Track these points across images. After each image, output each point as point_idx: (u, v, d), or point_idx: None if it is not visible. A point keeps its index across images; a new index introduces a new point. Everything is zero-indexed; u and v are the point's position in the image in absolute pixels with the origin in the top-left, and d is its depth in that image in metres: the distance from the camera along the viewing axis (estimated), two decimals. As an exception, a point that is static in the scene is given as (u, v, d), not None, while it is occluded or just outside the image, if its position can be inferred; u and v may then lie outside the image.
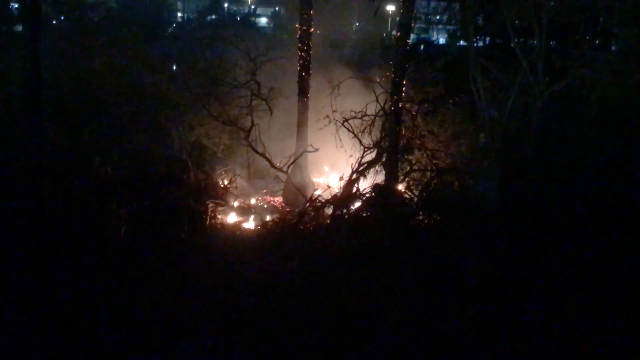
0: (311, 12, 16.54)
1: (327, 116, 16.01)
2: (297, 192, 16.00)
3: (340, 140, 16.00)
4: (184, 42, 24.43)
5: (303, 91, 16.84)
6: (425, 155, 16.53)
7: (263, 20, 42.35)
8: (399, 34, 15.56)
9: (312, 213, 14.31)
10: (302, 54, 16.64)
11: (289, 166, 16.36)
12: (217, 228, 13.90)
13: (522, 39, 20.24)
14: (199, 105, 17.05)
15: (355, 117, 15.90)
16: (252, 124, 16.14)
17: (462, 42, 25.12)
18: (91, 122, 16.51)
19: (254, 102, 16.45)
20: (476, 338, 9.06)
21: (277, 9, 42.58)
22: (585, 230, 12.90)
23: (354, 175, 14.98)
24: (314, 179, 17.86)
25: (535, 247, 12.20)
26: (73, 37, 20.09)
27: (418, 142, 16.57)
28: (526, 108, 17.06)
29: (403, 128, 16.23)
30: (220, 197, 15.28)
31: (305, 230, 13.68)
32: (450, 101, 17.29)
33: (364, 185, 15.10)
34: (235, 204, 15.62)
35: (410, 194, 15.49)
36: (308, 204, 14.48)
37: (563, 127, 18.68)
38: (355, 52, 19.85)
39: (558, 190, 15.05)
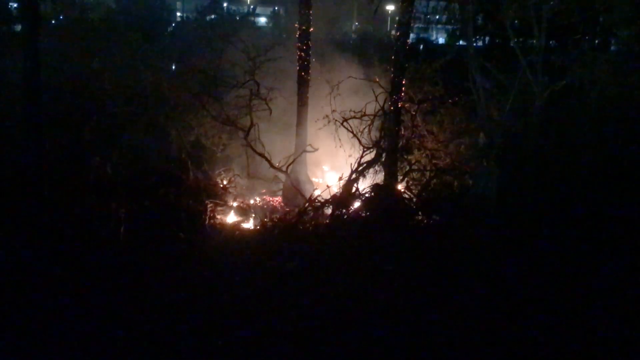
0: (310, 11, 16.52)
1: (327, 116, 15.99)
2: (296, 192, 15.99)
3: (340, 140, 15.98)
4: (183, 42, 24.42)
5: (302, 91, 16.82)
6: (424, 155, 16.52)
7: (262, 20, 42.36)
8: (398, 33, 15.55)
9: (312, 213, 14.29)
10: (302, 53, 16.62)
11: (288, 166, 16.34)
12: (216, 228, 13.88)
13: (521, 39, 20.29)
14: (198, 105, 17.03)
15: (354, 117, 15.88)
16: (252, 124, 16.12)
17: (461, 42, 25.15)
18: (90, 122, 16.50)
19: (253, 102, 16.42)
20: (476, 338, 9.06)
21: (276, 8, 42.60)
22: (585, 230, 12.91)
23: (353, 175, 14.96)
24: (313, 179, 17.84)
25: (534, 247, 12.21)
26: (72, 37, 20.07)
27: (417, 142, 16.56)
28: (526, 108, 17.08)
29: (402, 128, 16.21)
30: (220, 197, 15.25)
31: (304, 230, 13.67)
32: (450, 101, 17.28)
33: (363, 185, 15.08)
34: (235, 203, 15.59)
35: (409, 193, 15.48)
36: (307, 204, 14.46)
37: (562, 127, 18.70)
38: (354, 51, 19.83)
39: (557, 190, 15.06)
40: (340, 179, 15.22)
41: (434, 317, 9.59)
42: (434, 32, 37.91)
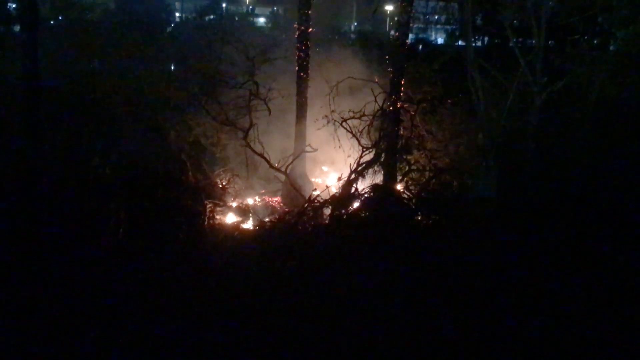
0: (309, 11, 16.51)
1: (326, 116, 15.99)
2: (295, 192, 15.98)
3: (339, 140, 15.99)
4: (182, 42, 24.41)
5: (301, 91, 16.81)
6: (423, 155, 16.53)
7: (261, 20, 42.35)
8: (397, 33, 15.55)
9: (311, 213, 14.29)
10: (301, 53, 16.61)
11: (287, 166, 16.34)
12: (215, 228, 13.87)
13: (520, 39, 20.29)
14: (197, 105, 17.02)
15: (353, 117, 15.89)
16: (251, 124, 16.11)
17: (460, 42, 25.17)
18: (89, 123, 16.50)
19: (253, 102, 16.41)
20: (475, 337, 9.06)
21: (275, 8, 42.61)
22: (584, 230, 12.92)
23: (353, 176, 14.96)
24: (313, 179, 17.83)
25: (533, 246, 12.21)
26: (71, 38, 20.07)
27: (416, 142, 16.56)
28: (525, 108, 17.09)
29: (401, 128, 16.22)
30: (219, 197, 15.24)
31: (303, 230, 13.67)
32: (449, 101, 17.29)
33: (363, 185, 15.09)
34: (234, 204, 15.58)
35: (408, 194, 15.49)
36: (307, 204, 14.46)
37: (561, 127, 18.72)
38: (353, 52, 19.82)
39: (556, 189, 15.07)
40: (340, 179, 15.22)
41: (434, 317, 9.59)
42: (433, 33, 37.96)
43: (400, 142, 16.07)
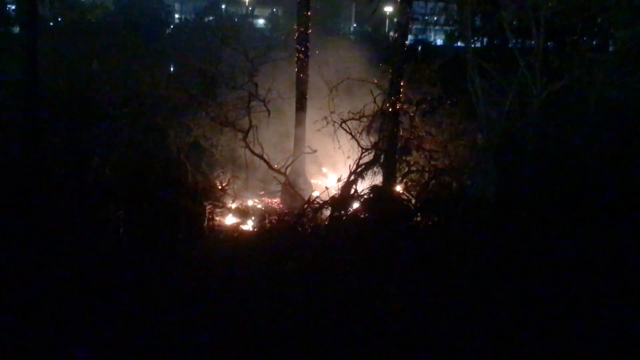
0: (309, 13, 16.53)
1: (325, 117, 15.99)
2: (295, 194, 15.98)
3: (338, 141, 15.99)
4: (181, 43, 24.41)
5: (301, 92, 16.82)
6: (423, 156, 16.52)
7: (261, 21, 42.37)
8: (396, 34, 15.56)
9: (310, 214, 14.28)
10: (300, 55, 16.62)
11: (286, 167, 16.34)
12: (214, 230, 13.87)
13: (519, 40, 20.27)
14: (197, 107, 17.02)
15: (353, 119, 15.89)
16: (250, 125, 16.11)
17: (459, 43, 25.17)
18: (89, 124, 16.50)
19: (252, 104, 16.42)
20: (475, 338, 9.06)
21: (274, 10, 42.64)
22: (584, 230, 12.92)
23: (352, 177, 14.97)
24: (312, 181, 17.84)
25: (533, 247, 12.21)
26: (71, 39, 20.08)
27: (416, 143, 16.56)
28: (524, 109, 17.09)
29: (401, 129, 16.22)
30: (218, 198, 15.23)
31: (303, 231, 13.66)
32: (448, 102, 17.29)
33: (362, 186, 15.08)
34: (233, 205, 15.58)
35: (408, 195, 15.49)
36: (306, 206, 14.45)
37: (561, 128, 18.72)
38: (353, 53, 19.83)
39: (556, 190, 15.07)
40: (339, 180, 15.23)
41: (434, 317, 9.59)
42: (432, 33, 37.99)
43: (399, 143, 16.08)
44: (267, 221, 14.64)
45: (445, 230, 13.24)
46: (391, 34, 30.09)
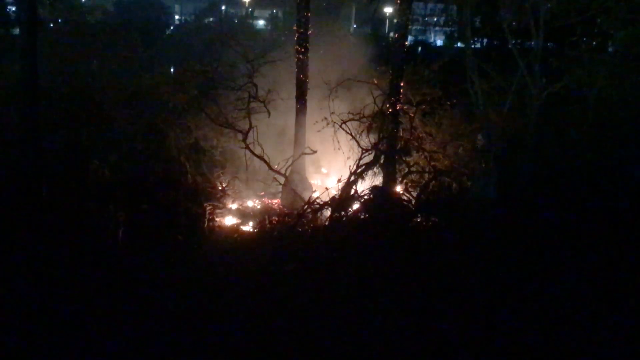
0: (308, 13, 16.52)
1: (325, 118, 16.00)
2: (295, 195, 15.98)
3: (338, 142, 16.00)
4: (181, 44, 24.44)
5: (301, 93, 16.81)
6: (423, 156, 16.52)
7: (260, 22, 42.37)
8: (396, 35, 15.57)
9: (310, 215, 14.29)
10: (300, 55, 16.62)
11: (286, 168, 16.35)
12: (214, 230, 13.88)
13: (519, 41, 20.30)
14: (197, 108, 17.02)
15: (353, 119, 15.90)
16: (250, 126, 16.12)
17: (459, 44, 25.20)
18: (89, 125, 16.50)
19: (252, 105, 16.42)
20: (474, 339, 9.06)
21: (274, 11, 42.63)
22: (583, 231, 12.93)
23: (352, 177, 14.97)
24: (312, 181, 17.84)
25: (533, 247, 12.22)
26: (70, 40, 20.08)
27: (416, 143, 16.55)
28: (524, 109, 17.11)
29: (401, 130, 16.23)
30: (218, 199, 15.25)
31: (303, 232, 13.67)
32: (448, 103, 17.29)
33: (362, 187, 15.09)
34: (233, 206, 15.59)
35: (408, 195, 15.49)
36: (306, 206, 14.46)
37: (560, 128, 18.74)
38: (353, 54, 19.84)
39: (556, 191, 15.08)
40: (339, 181, 15.23)
41: (434, 318, 9.59)
42: (432, 34, 38.04)
43: (399, 144, 16.08)
44: (267, 222, 14.65)
45: (445, 230, 13.24)
46: (391, 34, 30.12)
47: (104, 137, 16.43)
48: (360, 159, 15.39)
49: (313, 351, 8.73)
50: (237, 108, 16.83)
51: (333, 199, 14.60)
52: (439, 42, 36.58)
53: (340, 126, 15.73)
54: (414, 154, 16.79)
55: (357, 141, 15.77)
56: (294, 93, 16.92)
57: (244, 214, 15.38)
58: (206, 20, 34.33)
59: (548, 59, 17.52)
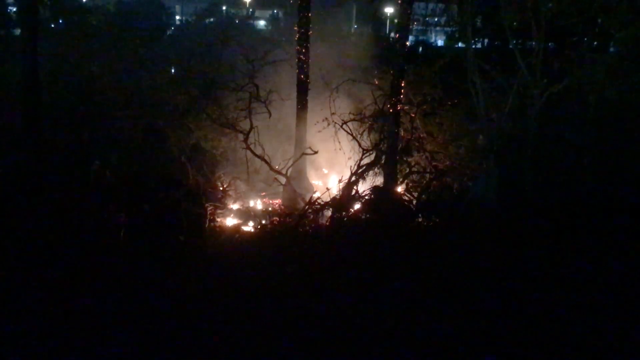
0: (309, 14, 16.55)
1: (326, 119, 16.01)
2: (296, 195, 16.00)
3: (339, 142, 16.01)
4: (182, 45, 24.43)
5: (301, 93, 16.83)
6: (424, 157, 16.54)
7: (261, 23, 42.38)
8: (397, 35, 15.58)
9: (311, 215, 14.30)
10: (301, 56, 16.64)
11: (287, 169, 16.36)
12: (216, 231, 13.88)
13: (520, 41, 20.29)
14: (198, 108, 17.04)
15: (354, 120, 15.91)
16: (251, 127, 16.13)
17: (460, 44, 25.19)
18: (89, 126, 16.52)
19: (253, 105, 16.44)
20: (477, 341, 9.05)
21: (275, 11, 42.66)
22: (584, 232, 12.91)
23: (353, 178, 14.98)
24: (313, 182, 17.85)
25: (534, 249, 12.20)
26: (71, 41, 20.09)
27: (417, 144, 16.58)
28: (524, 110, 17.10)
29: (402, 130, 16.23)
30: (219, 200, 15.26)
31: (304, 232, 13.67)
32: (449, 103, 17.30)
33: (363, 187, 15.10)
34: (234, 206, 15.60)
35: (409, 196, 15.50)
36: (307, 207, 14.47)
37: (561, 129, 18.72)
38: (353, 54, 19.87)
39: (557, 192, 15.07)
40: (340, 181, 15.24)
41: (434, 319, 9.58)
42: (433, 34, 38.03)
43: (400, 144, 16.09)
44: (268, 222, 14.66)
45: (446, 231, 13.23)
46: (392, 34, 30.13)
47: (105, 137, 16.45)
48: (361, 159, 15.40)
49: (314, 352, 8.72)
50: (238, 108, 16.85)
51: (334, 199, 14.61)
52: (440, 42, 36.56)
53: (341, 126, 15.74)
54: (415, 154, 16.81)
55: (358, 141, 15.78)
56: (294, 93, 16.95)
57: (245, 215, 15.39)
58: (207, 21, 34.32)
59: (549, 59, 17.50)
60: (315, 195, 15.20)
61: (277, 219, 15.01)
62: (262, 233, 13.99)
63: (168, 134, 16.87)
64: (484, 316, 9.75)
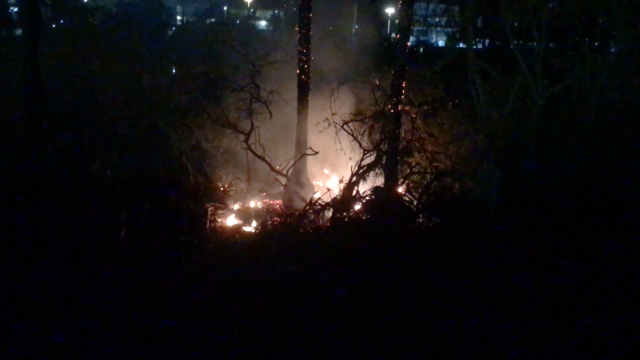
0: (310, 14, 16.55)
1: (327, 119, 16.01)
2: (296, 195, 16.00)
3: (340, 143, 16.01)
4: (183, 45, 24.45)
5: (302, 94, 16.83)
6: (424, 157, 16.53)
7: (262, 23, 42.39)
8: (398, 36, 15.58)
9: (312, 216, 14.29)
10: (302, 56, 16.64)
11: (288, 169, 16.36)
12: (216, 231, 13.88)
13: (521, 41, 20.30)
14: (199, 109, 17.06)
15: (354, 120, 15.92)
16: (252, 127, 16.14)
17: (461, 45, 25.21)
18: (90, 126, 16.54)
19: (254, 105, 16.45)
20: (477, 341, 9.05)
21: (276, 12, 42.65)
22: (586, 233, 12.90)
23: (354, 178, 14.98)
24: (314, 182, 17.85)
25: (535, 249, 12.19)
26: (72, 41, 20.12)
27: (418, 144, 16.57)
28: (525, 110, 17.11)
29: (403, 130, 16.23)
30: (220, 200, 15.27)
31: (305, 233, 13.67)
32: (450, 103, 17.30)
33: (364, 188, 15.09)
34: (235, 207, 15.61)
35: (410, 196, 15.49)
36: (308, 207, 14.46)
37: (562, 129, 18.71)
38: (354, 54, 19.87)
39: (558, 192, 15.06)
40: (341, 181, 15.24)
41: (435, 320, 9.58)
42: (434, 35, 38.01)
43: (401, 145, 16.08)
44: (269, 222, 14.66)
45: (447, 231, 13.23)
46: (393, 35, 30.14)
47: (106, 137, 16.47)
48: (362, 159, 15.40)
49: (315, 352, 8.72)
50: (238, 109, 16.87)
51: (335, 199, 14.61)
52: (441, 43, 36.55)
53: (342, 127, 15.74)
54: (416, 154, 16.80)
55: (358, 142, 15.78)
56: (295, 94, 16.95)
57: (245, 215, 15.39)
58: (208, 21, 34.34)
59: (550, 59, 17.52)
60: (316, 196, 15.21)
61: (278, 219, 15.01)
62: (262, 233, 13.98)
63: (169, 134, 16.88)
64: (485, 315, 9.76)
